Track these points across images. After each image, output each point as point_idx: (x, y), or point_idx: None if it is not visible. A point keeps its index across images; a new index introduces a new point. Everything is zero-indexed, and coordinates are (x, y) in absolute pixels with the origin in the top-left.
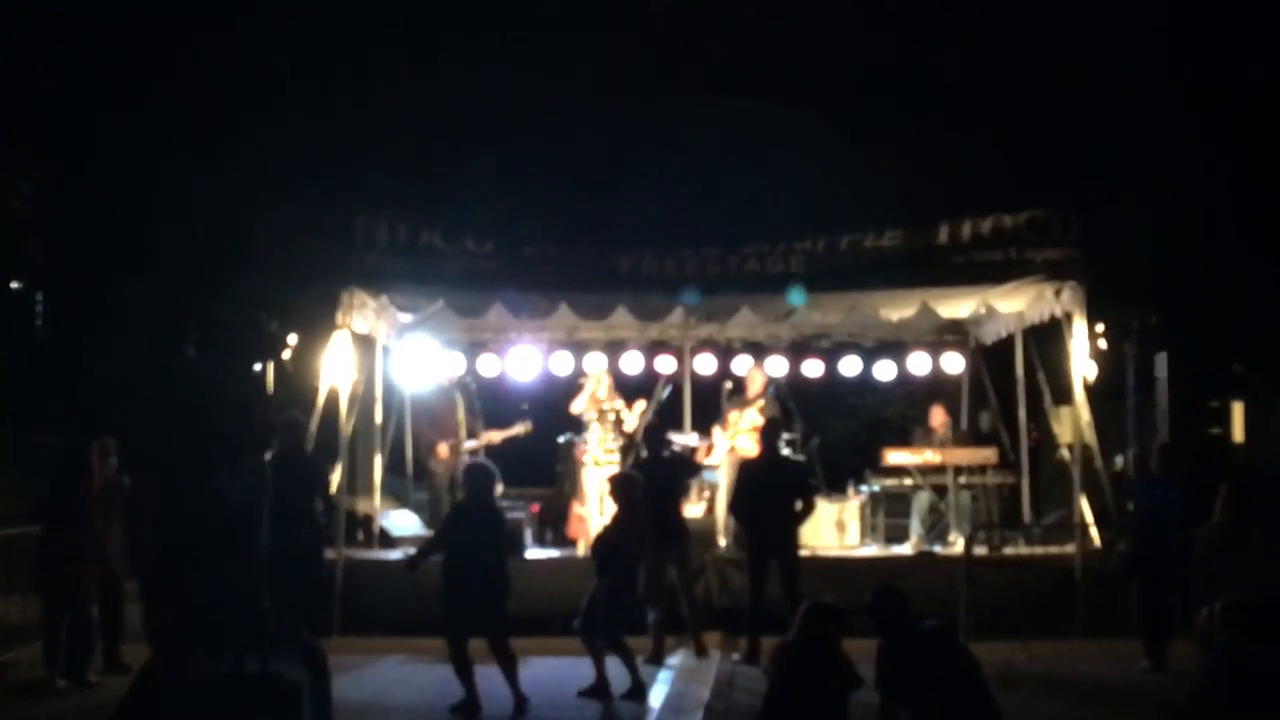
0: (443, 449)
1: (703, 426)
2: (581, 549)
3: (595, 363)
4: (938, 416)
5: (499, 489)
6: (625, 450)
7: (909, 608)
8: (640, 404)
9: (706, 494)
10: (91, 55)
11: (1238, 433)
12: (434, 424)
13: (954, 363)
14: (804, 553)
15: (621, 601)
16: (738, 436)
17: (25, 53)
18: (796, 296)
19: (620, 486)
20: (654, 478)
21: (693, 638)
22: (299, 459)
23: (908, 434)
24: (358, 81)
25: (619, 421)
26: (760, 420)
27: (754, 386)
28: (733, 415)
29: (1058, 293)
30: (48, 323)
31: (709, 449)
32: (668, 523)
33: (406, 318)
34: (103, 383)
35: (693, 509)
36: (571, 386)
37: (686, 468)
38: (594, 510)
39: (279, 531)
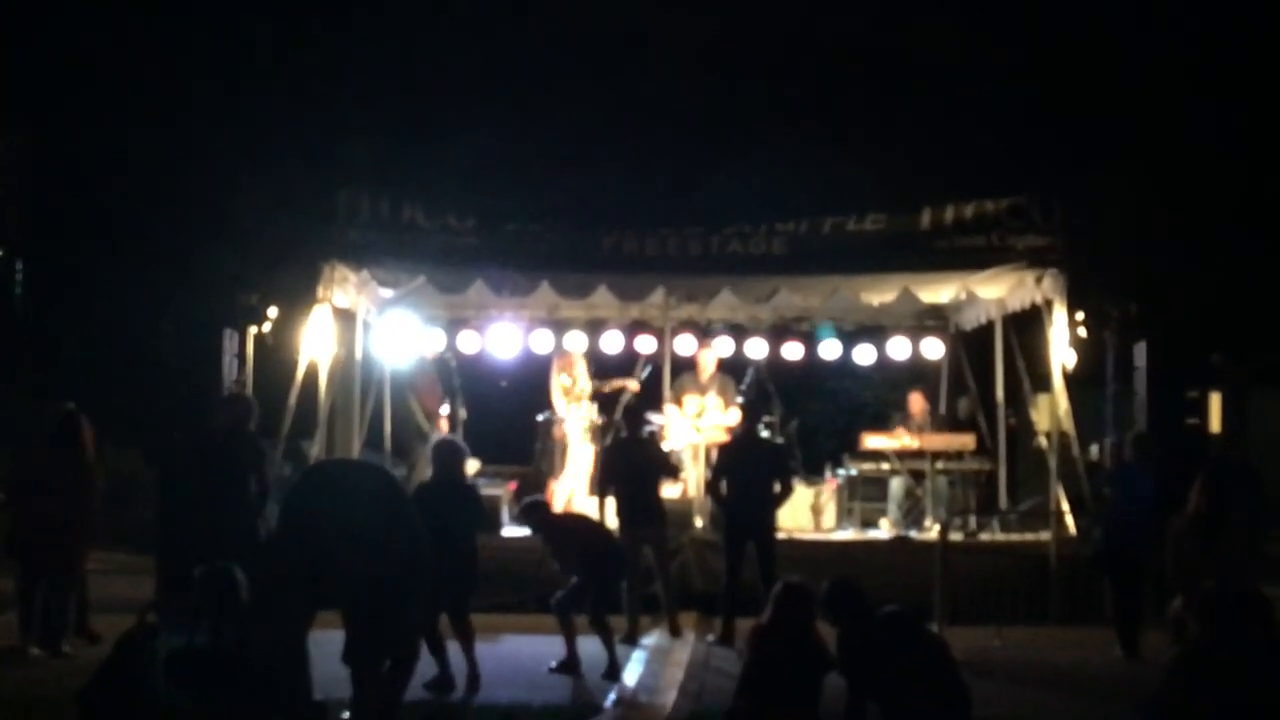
0: (444, 421)
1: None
2: None
3: (570, 345)
4: (917, 403)
5: (470, 466)
6: (606, 427)
7: (863, 596)
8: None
9: (684, 475)
10: (70, 25)
11: (1215, 423)
12: (434, 394)
13: (934, 348)
14: (780, 535)
15: (609, 589)
16: (703, 432)
17: (1, 23)
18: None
19: (526, 517)
20: (632, 458)
21: (668, 618)
22: (241, 435)
23: (886, 419)
24: (340, 55)
25: (599, 396)
26: (721, 412)
27: (707, 368)
28: (688, 399)
29: (1038, 280)
30: (27, 292)
31: (663, 430)
32: (644, 503)
33: (387, 293)
34: (82, 352)
35: (670, 490)
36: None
37: (665, 466)
38: (579, 485)
39: (216, 508)
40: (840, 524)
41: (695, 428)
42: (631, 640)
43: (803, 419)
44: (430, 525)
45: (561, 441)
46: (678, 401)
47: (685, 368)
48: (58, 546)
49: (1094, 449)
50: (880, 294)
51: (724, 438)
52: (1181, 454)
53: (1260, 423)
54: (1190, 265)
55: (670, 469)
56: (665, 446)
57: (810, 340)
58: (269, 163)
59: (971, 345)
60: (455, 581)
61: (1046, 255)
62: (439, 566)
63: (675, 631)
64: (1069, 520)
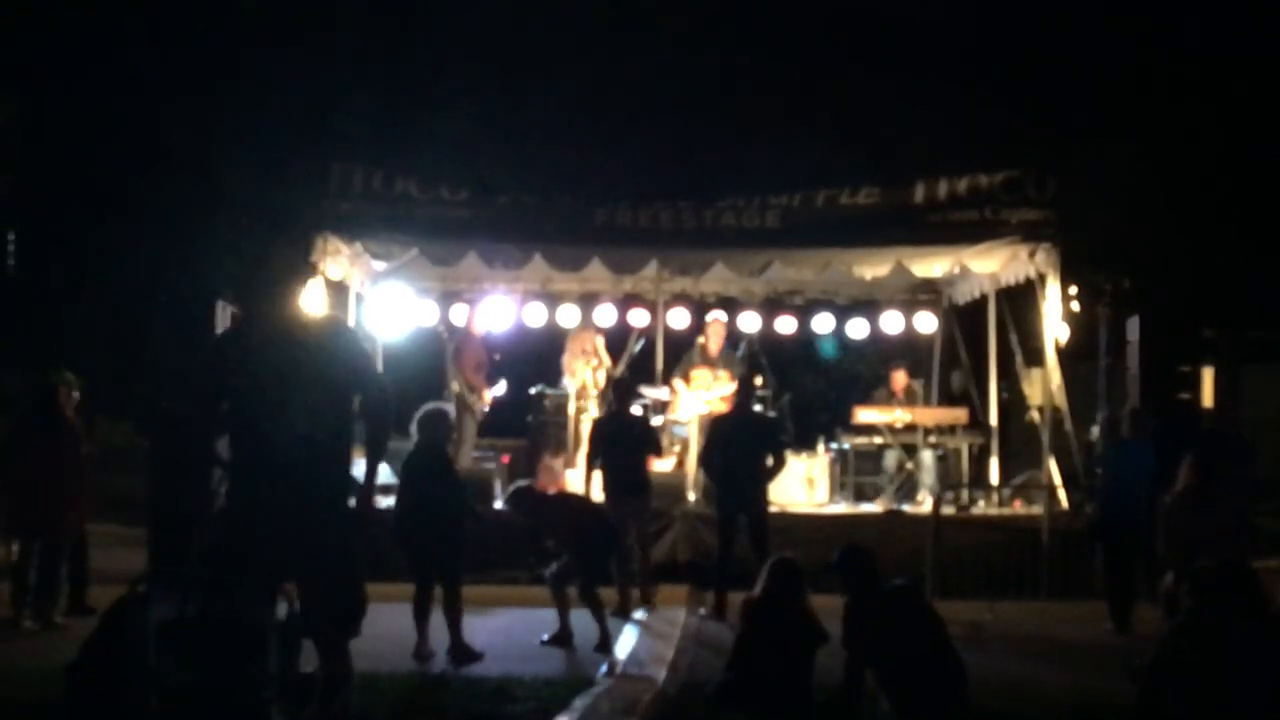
0: (487, 394)
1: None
2: None
3: (579, 321)
4: (899, 379)
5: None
6: (601, 400)
7: (876, 566)
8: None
9: (677, 449)
10: None
11: (1207, 398)
12: (479, 367)
13: (927, 322)
14: (773, 509)
15: (598, 563)
16: (710, 404)
17: None
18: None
19: (512, 503)
20: (618, 432)
21: (640, 589)
22: None
23: (873, 394)
24: (334, 26)
25: (601, 370)
26: (729, 384)
27: (715, 341)
28: (697, 373)
29: (1032, 254)
30: (19, 263)
31: (671, 403)
32: (631, 476)
33: (380, 265)
34: (73, 323)
35: (663, 464)
36: (548, 337)
37: (651, 442)
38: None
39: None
40: (833, 497)
41: (706, 401)
42: (623, 613)
43: (795, 392)
44: (417, 495)
45: (562, 415)
46: (685, 378)
47: (680, 342)
48: (47, 515)
49: (1094, 430)
50: (873, 268)
51: (721, 410)
52: (1175, 429)
53: (1252, 397)
54: (1183, 240)
55: (655, 445)
56: (668, 418)
57: (803, 314)
58: (262, 134)
59: (964, 319)
60: (449, 549)
61: (1040, 229)
62: (428, 536)
63: (647, 602)
64: (1061, 494)
